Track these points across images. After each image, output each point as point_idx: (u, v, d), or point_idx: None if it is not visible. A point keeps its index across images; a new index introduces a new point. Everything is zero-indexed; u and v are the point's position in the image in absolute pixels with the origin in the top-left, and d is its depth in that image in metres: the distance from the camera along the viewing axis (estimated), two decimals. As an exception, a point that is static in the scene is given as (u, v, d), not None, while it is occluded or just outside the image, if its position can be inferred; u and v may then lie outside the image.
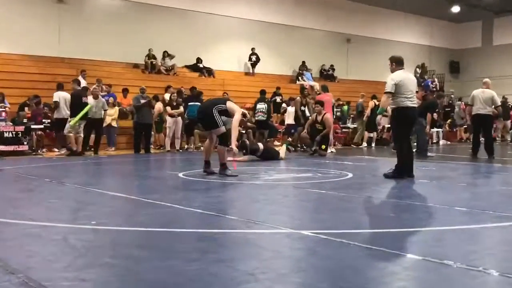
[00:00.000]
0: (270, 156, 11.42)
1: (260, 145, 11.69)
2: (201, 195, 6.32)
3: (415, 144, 12.37)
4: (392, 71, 7.65)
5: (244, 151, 11.22)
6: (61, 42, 18.44)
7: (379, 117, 17.20)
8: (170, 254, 3.42)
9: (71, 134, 12.99)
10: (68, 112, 13.17)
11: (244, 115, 8.31)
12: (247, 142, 11.62)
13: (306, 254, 3.50)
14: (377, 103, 17.37)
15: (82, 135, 13.19)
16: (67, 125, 12.94)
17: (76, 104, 12.99)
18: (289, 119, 16.09)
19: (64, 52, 18.36)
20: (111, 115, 15.05)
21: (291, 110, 16.09)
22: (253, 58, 22.81)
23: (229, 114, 8.07)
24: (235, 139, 8.18)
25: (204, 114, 8.11)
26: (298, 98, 15.42)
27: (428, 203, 5.72)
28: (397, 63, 7.68)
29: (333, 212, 5.12)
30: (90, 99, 13.46)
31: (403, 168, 7.57)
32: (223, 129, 7.97)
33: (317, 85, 21.75)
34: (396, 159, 7.70)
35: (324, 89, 15.16)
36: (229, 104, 8.09)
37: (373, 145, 17.50)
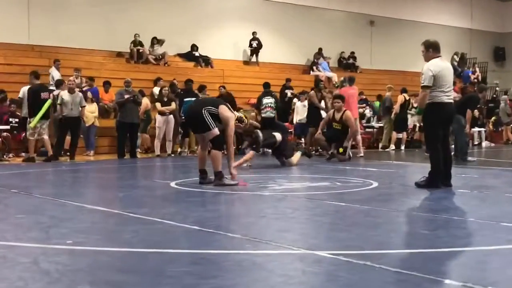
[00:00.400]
0: (285, 152, 11.39)
1: (278, 136, 11.35)
2: (197, 209, 6.32)
3: (453, 146, 12.33)
4: (427, 58, 7.59)
5: (254, 145, 10.97)
6: (31, 27, 18.52)
7: (415, 117, 17.22)
8: (160, 279, 3.41)
9: (32, 138, 13.11)
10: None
11: (239, 120, 8.32)
12: (261, 136, 10.99)
13: (323, 280, 3.49)
14: (407, 97, 17.35)
15: (45, 137, 13.24)
16: (27, 127, 13.05)
17: (34, 101, 13.01)
18: (299, 116, 16.08)
19: (35, 39, 18.44)
20: (92, 112, 15.10)
21: (300, 105, 16.08)
22: (254, 43, 22.71)
23: (221, 120, 8.03)
24: (233, 158, 8.16)
25: (193, 114, 8.13)
26: (312, 92, 15.40)
27: (468, 217, 5.69)
28: (433, 48, 7.60)
29: (355, 229, 5.10)
30: (64, 94, 13.51)
31: (438, 176, 7.54)
32: (216, 131, 7.93)
33: (335, 77, 21.82)
34: (430, 164, 7.68)
35: (351, 81, 14.98)
36: (222, 109, 7.99)
37: (402, 147, 17.48)
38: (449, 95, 7.58)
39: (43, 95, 13.13)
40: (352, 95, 14.27)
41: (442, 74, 7.44)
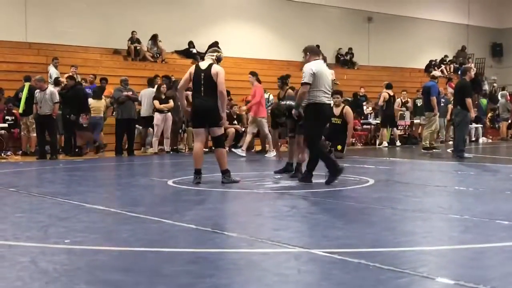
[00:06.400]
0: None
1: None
2: (195, 207, 6.36)
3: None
4: (307, 62, 7.99)
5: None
6: (29, 24, 18.50)
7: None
8: (157, 278, 3.46)
9: (22, 133, 14.16)
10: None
11: (218, 59, 8.13)
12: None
13: (317, 278, 3.54)
14: (391, 93, 17.35)
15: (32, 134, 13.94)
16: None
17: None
18: None
19: (32, 37, 18.42)
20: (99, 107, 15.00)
21: None
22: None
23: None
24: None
25: (206, 107, 7.95)
26: None
27: (462, 215, 5.71)
28: (311, 52, 8.06)
29: (350, 227, 5.15)
30: (37, 92, 13.46)
31: (335, 167, 7.82)
32: (222, 129, 8.12)
33: (333, 73, 21.82)
34: (324, 163, 7.93)
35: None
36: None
37: (397, 144, 17.50)
38: (328, 97, 7.98)
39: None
40: None
41: (322, 74, 7.82)
